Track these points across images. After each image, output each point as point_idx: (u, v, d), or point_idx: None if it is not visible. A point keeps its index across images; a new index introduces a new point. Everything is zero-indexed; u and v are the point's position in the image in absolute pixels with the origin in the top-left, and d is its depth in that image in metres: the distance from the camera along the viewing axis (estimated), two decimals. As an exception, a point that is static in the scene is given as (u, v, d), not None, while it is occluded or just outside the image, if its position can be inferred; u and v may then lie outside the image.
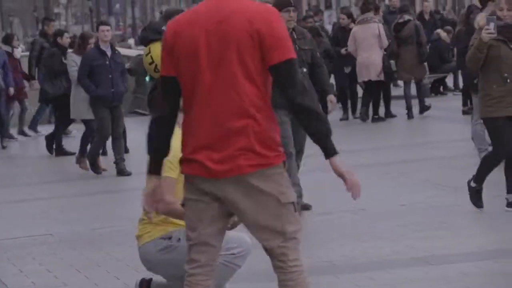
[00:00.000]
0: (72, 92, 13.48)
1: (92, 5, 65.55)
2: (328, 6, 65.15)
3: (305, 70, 8.60)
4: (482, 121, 10.48)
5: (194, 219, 4.15)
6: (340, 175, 4.01)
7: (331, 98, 9.01)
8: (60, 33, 16.69)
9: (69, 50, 14.86)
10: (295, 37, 8.74)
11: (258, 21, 4.03)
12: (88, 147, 13.14)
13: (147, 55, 5.91)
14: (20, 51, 17.00)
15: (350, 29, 17.21)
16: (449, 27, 20.63)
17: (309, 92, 4.07)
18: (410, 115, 16.65)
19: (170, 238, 5.27)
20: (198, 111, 4.09)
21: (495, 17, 8.34)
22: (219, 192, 4.07)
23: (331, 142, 4.03)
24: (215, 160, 4.03)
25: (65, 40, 15.85)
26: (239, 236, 4.94)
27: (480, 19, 9.12)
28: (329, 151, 4.01)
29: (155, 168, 4.28)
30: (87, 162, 12.97)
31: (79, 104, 13.03)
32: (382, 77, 16.35)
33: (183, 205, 4.28)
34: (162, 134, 4.24)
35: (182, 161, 4.17)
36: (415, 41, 16.72)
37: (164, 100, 4.23)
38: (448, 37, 19.70)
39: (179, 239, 5.05)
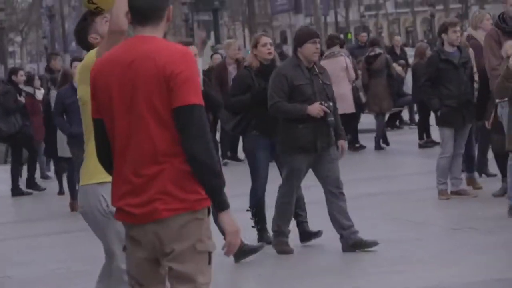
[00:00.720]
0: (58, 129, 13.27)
1: (47, 43, 65.36)
2: (284, 42, 65.69)
3: (331, 104, 8.34)
4: (448, 155, 10.54)
5: (133, 268, 4.10)
6: (223, 232, 3.97)
7: (342, 143, 8.71)
8: (14, 71, 16.54)
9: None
10: (317, 71, 8.50)
11: (166, 64, 3.91)
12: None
13: None
14: (42, 92, 16.54)
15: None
16: (403, 61, 20.87)
17: (208, 142, 3.93)
18: (383, 146, 16.92)
19: (108, 205, 5.11)
20: (118, 158, 4.04)
21: None
22: (147, 237, 3.99)
23: (223, 197, 3.92)
24: (134, 205, 3.96)
25: (20, 78, 15.71)
26: None
27: (508, 47, 9.16)
28: (219, 206, 3.92)
29: None
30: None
31: (64, 141, 12.76)
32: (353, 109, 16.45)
33: (124, 248, 4.19)
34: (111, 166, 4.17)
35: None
36: (386, 73, 16.92)
37: (97, 141, 4.19)
38: (403, 71, 19.90)
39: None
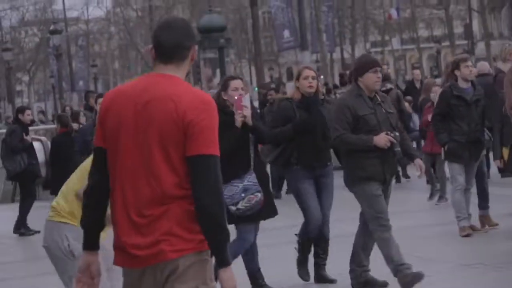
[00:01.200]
0: None
1: (54, 82, 65.65)
2: (290, 79, 65.74)
3: (397, 134, 8.00)
4: (460, 187, 10.45)
5: None
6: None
7: (419, 162, 8.33)
8: (21, 109, 16.50)
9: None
10: (379, 100, 8.14)
11: (187, 110, 3.82)
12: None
13: None
14: None
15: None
16: (409, 97, 20.82)
17: (221, 196, 3.88)
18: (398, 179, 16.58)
19: (69, 245, 5.42)
20: (120, 195, 3.92)
21: None
22: (151, 281, 3.89)
23: (226, 253, 3.82)
24: (137, 247, 3.85)
25: (26, 117, 15.69)
26: None
27: None
28: (221, 262, 3.83)
29: (89, 243, 4.09)
30: None
31: None
32: None
33: None
34: (94, 206, 4.06)
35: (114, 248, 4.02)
36: (397, 108, 16.90)
37: (95, 170, 4.08)
38: (410, 107, 19.85)
39: (75, 255, 5.33)
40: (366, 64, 8.16)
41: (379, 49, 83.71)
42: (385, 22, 77.99)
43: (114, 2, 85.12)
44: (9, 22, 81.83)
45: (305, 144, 8.47)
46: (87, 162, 5.43)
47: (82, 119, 16.88)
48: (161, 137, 3.83)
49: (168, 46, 3.96)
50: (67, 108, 25.81)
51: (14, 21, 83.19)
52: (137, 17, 78.53)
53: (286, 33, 36.96)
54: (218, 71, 31.51)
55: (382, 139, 7.84)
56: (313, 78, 8.65)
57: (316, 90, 8.70)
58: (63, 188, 5.83)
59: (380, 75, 8.16)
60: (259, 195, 7.94)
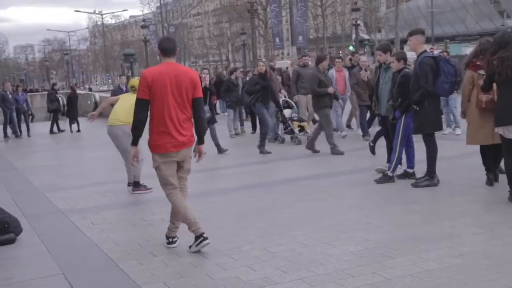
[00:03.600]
0: None
1: None
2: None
3: None
4: None
5: (167, 173, 8.10)
6: (197, 150, 8.27)
7: None
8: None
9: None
10: None
11: (193, 77, 7.99)
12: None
13: None
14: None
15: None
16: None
17: (204, 114, 8.19)
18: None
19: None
20: (167, 117, 7.86)
21: None
22: (179, 156, 8.09)
23: (203, 137, 8.22)
24: (178, 142, 7.95)
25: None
26: None
27: None
28: (201, 141, 8.25)
29: (135, 141, 8.06)
30: None
31: None
32: None
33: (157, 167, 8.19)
34: (141, 127, 7.96)
35: (156, 147, 8.02)
36: None
37: (143, 110, 7.89)
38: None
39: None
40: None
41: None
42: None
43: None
44: None
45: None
46: (129, 99, 11.74)
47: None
48: (186, 90, 7.89)
49: (168, 48, 7.98)
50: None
51: None
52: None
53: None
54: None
55: None
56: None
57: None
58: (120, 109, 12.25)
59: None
60: (209, 114, 17.35)
